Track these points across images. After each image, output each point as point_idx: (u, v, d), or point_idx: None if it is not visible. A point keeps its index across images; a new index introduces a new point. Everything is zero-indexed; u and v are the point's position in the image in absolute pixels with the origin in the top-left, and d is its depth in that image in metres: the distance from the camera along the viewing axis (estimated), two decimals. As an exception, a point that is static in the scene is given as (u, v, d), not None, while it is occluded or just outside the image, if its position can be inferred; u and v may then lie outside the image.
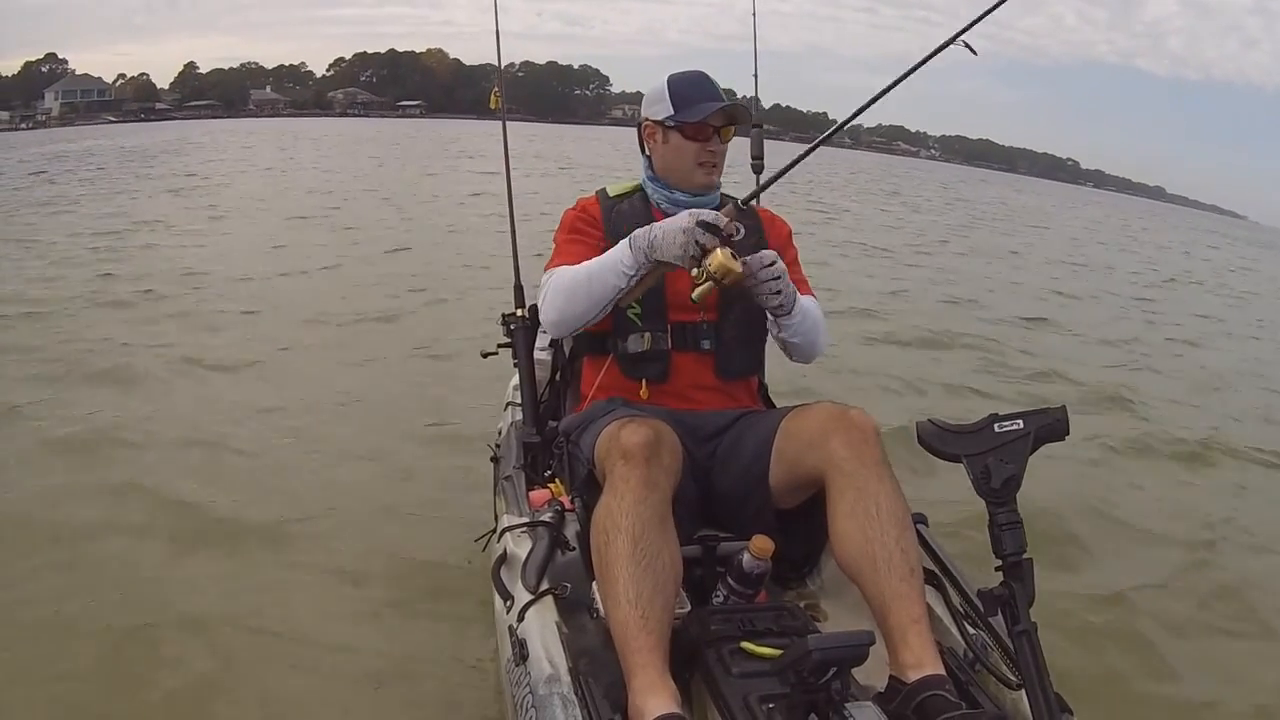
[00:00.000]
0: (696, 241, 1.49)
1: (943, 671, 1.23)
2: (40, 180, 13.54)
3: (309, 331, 5.00)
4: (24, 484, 2.83)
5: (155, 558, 2.41)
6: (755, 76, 2.66)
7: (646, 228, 1.58)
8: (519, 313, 2.15)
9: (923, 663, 1.22)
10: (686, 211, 1.56)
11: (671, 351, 1.70)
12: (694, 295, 1.50)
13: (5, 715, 1.77)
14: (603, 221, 1.77)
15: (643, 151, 1.83)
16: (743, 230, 1.57)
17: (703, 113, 1.71)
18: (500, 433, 2.28)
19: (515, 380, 2.20)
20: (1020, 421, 1.19)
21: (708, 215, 1.52)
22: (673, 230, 1.52)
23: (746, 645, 1.26)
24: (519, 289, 2.23)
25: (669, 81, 1.76)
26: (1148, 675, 2.23)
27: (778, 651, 1.22)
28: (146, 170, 16.28)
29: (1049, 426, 1.19)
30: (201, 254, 7.31)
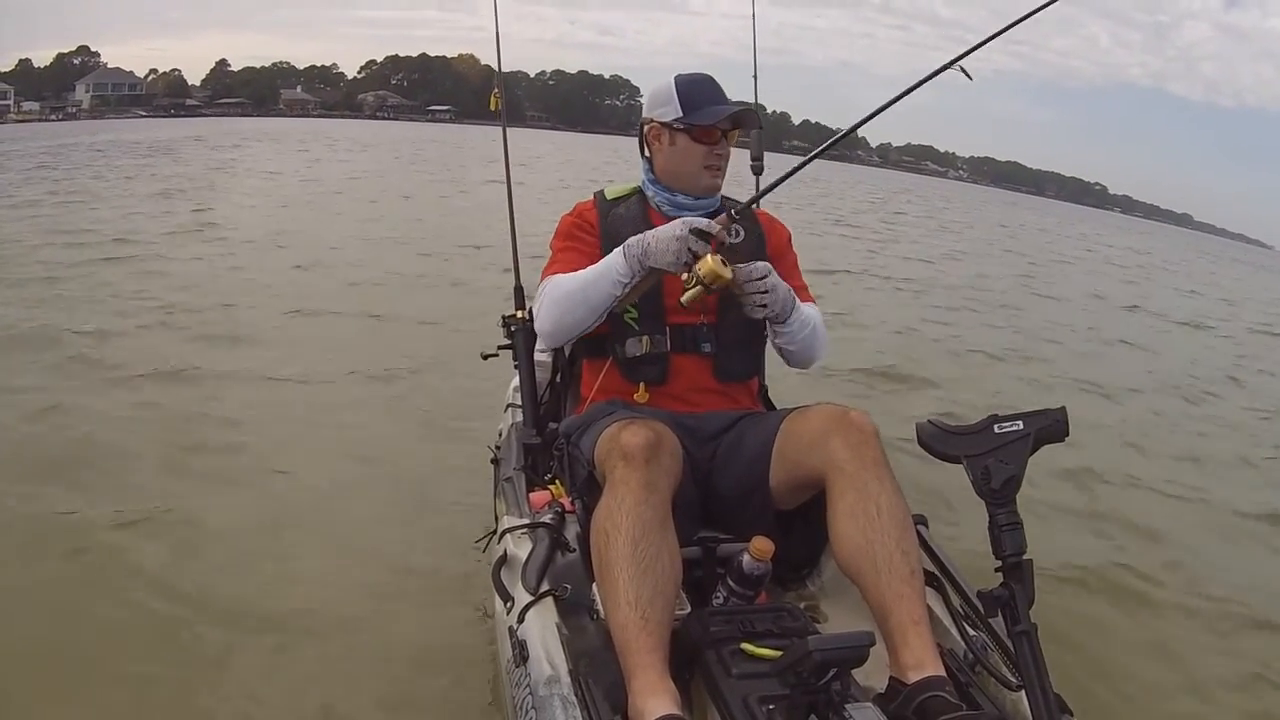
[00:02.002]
0: (689, 249, 1.52)
1: (943, 673, 1.23)
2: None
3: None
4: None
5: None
6: (755, 78, 2.68)
7: (640, 235, 1.60)
8: (519, 315, 2.15)
9: (923, 664, 1.22)
10: (680, 220, 1.58)
11: (670, 354, 1.71)
12: (682, 300, 1.54)
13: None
14: (599, 226, 1.77)
15: (642, 153, 1.82)
16: (741, 233, 1.58)
17: (715, 116, 1.71)
18: (500, 434, 2.28)
19: (515, 382, 2.21)
20: (1020, 422, 1.19)
21: (701, 222, 1.55)
22: (666, 238, 1.55)
23: (746, 646, 1.26)
24: (519, 291, 2.24)
25: (677, 83, 1.74)
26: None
27: (778, 653, 1.22)
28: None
29: (1049, 428, 1.19)
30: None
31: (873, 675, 1.24)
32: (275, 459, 3.15)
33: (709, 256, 1.51)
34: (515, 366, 2.12)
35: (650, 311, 1.70)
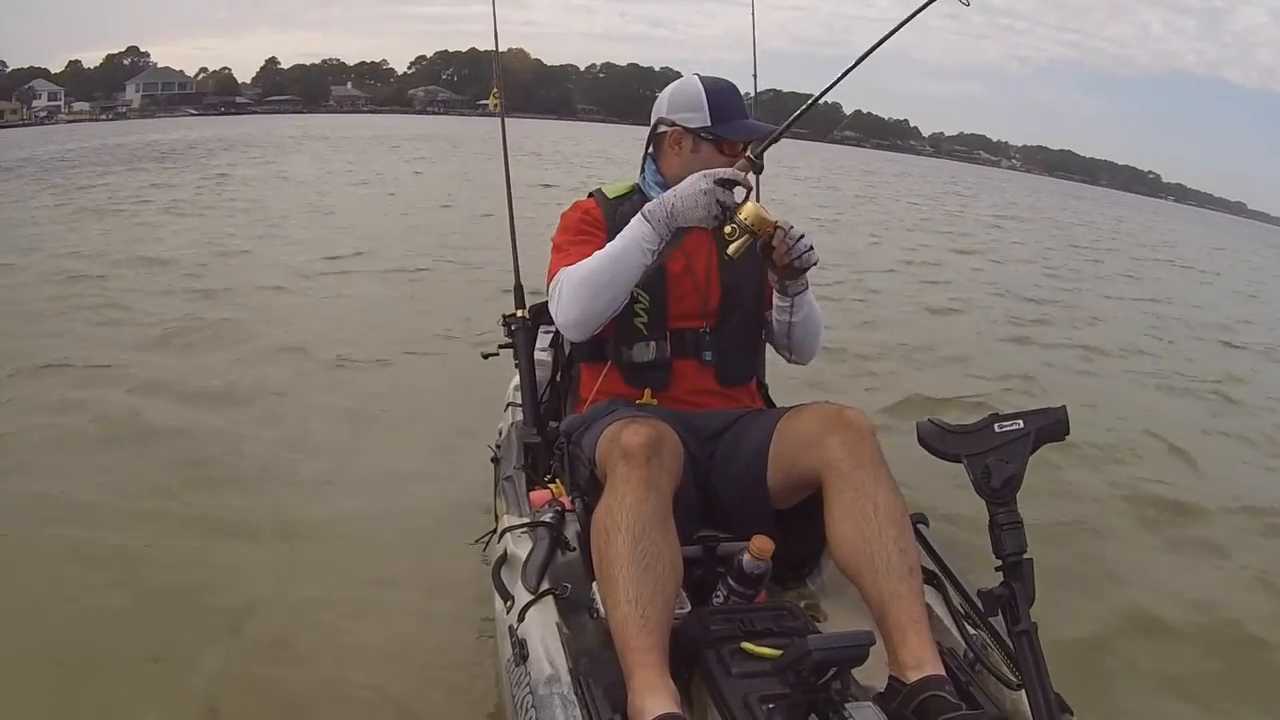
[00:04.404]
0: (718, 200, 1.49)
1: (942, 672, 1.23)
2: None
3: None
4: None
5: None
6: (755, 76, 2.67)
7: (658, 199, 1.56)
8: (519, 313, 2.14)
9: (922, 663, 1.22)
10: (698, 174, 1.53)
11: (672, 359, 1.70)
12: (730, 250, 1.49)
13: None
14: (605, 223, 1.74)
15: (647, 150, 1.78)
16: (763, 168, 1.57)
17: (749, 133, 1.68)
18: (501, 433, 2.28)
19: (516, 381, 2.20)
20: (1020, 421, 1.19)
21: (724, 171, 1.51)
22: (691, 194, 1.51)
23: (746, 645, 1.26)
24: (519, 289, 2.23)
25: (706, 90, 1.70)
26: None
27: (778, 652, 1.22)
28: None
29: (1049, 427, 1.19)
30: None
31: (872, 674, 1.24)
32: (274, 458, 3.16)
33: (748, 204, 1.48)
34: (516, 365, 2.12)
35: (655, 317, 1.68)
